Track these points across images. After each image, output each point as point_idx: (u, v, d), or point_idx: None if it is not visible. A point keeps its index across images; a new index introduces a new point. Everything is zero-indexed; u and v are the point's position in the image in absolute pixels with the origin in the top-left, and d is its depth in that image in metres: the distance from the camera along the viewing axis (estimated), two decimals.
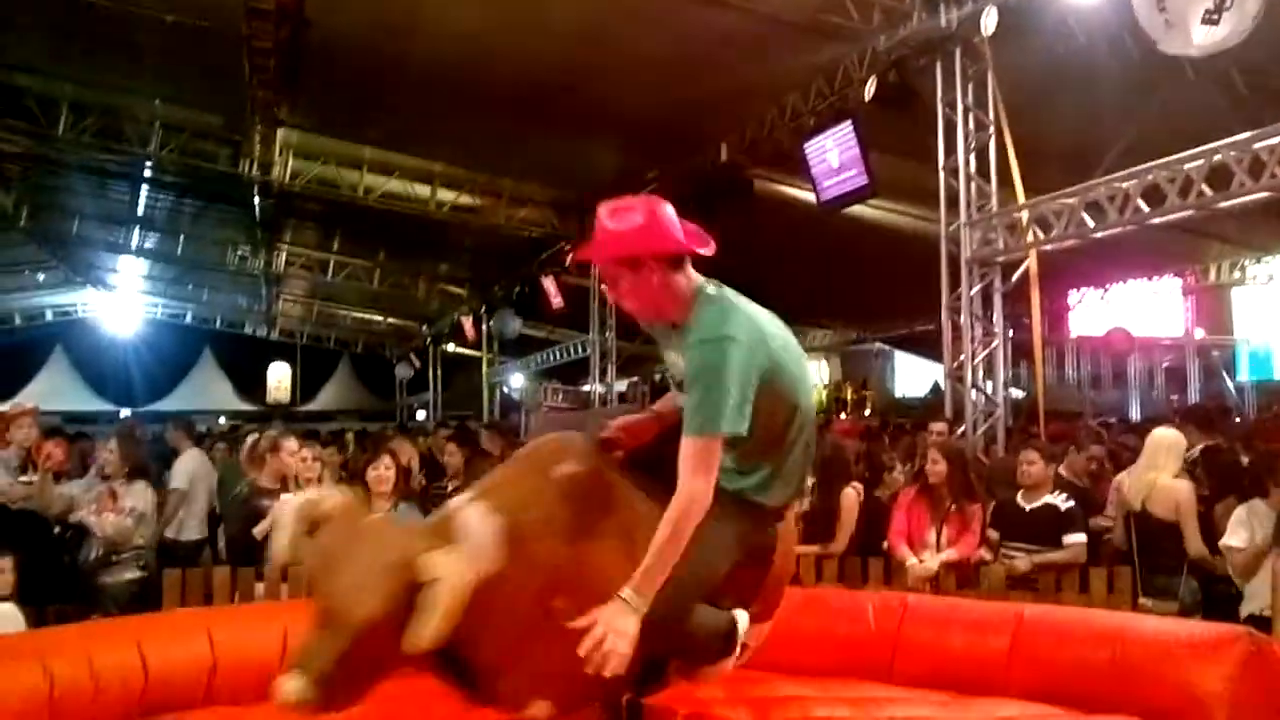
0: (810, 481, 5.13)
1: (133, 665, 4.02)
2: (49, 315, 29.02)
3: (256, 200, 15.95)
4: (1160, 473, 5.94)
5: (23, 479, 6.31)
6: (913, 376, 23.27)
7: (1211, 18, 6.02)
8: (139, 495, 6.17)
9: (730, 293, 2.89)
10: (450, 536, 2.62)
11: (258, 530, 5.51)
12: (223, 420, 23.61)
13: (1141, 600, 5.44)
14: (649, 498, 2.89)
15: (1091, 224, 7.62)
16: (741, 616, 3.07)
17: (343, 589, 2.52)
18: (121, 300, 28.52)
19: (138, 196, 18.73)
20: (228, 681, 4.17)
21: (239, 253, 21.14)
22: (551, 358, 21.88)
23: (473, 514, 2.69)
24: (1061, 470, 6.11)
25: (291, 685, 2.43)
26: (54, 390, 26.29)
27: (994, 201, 8.50)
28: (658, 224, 2.79)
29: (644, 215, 2.79)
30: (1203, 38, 6.13)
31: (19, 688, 3.72)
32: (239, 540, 5.74)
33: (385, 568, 2.53)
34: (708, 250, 2.87)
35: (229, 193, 16.25)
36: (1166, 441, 6.11)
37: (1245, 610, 5.24)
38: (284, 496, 5.65)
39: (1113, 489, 6.63)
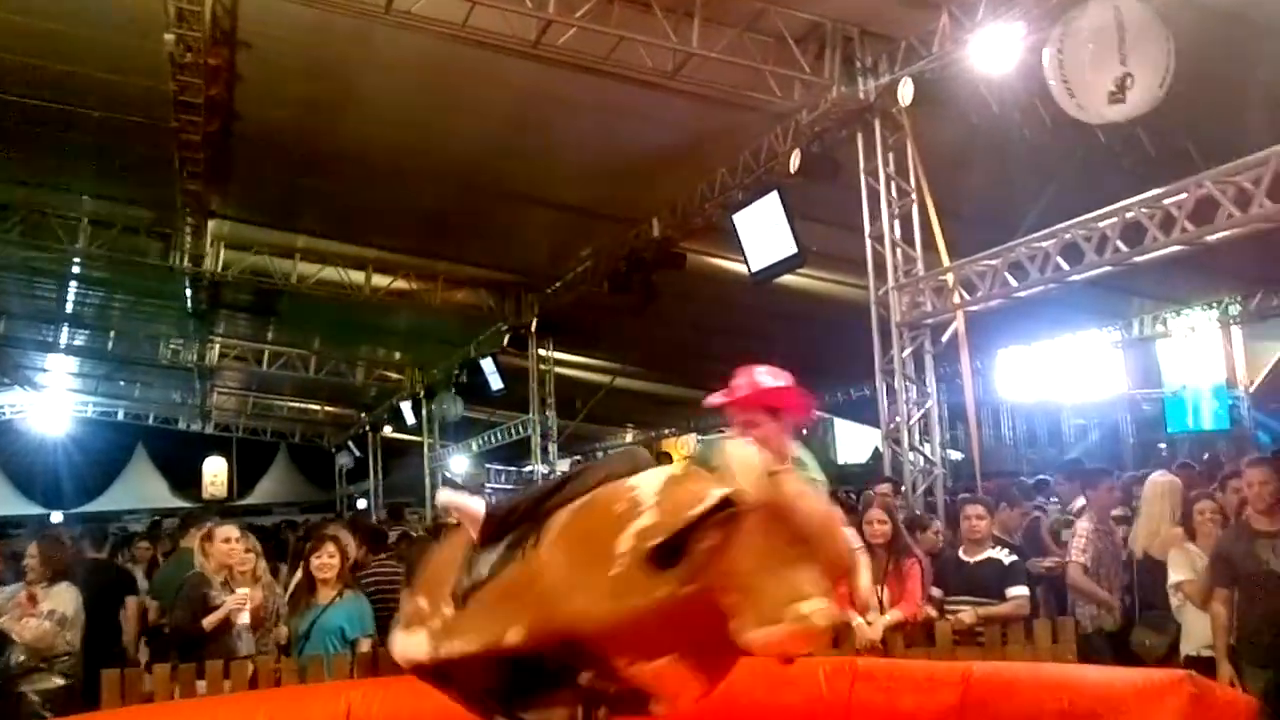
0: None
1: None
2: None
3: (188, 293, 15.81)
4: (1163, 522, 6.14)
5: None
6: (853, 443, 23.41)
7: (1117, 98, 6.28)
8: (60, 598, 5.91)
9: None
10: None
11: (207, 621, 5.46)
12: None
13: (1138, 630, 5.99)
14: None
15: (1015, 283, 7.80)
16: None
17: None
18: (50, 400, 27.82)
19: (66, 293, 18.48)
20: None
21: (171, 346, 20.85)
22: (493, 439, 21.78)
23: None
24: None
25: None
26: None
27: (920, 265, 8.65)
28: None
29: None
30: (1114, 114, 6.42)
31: None
32: (184, 630, 5.63)
33: None
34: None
35: (160, 286, 16.10)
36: (1161, 488, 6.30)
37: (1184, 650, 5.35)
38: (240, 590, 5.59)
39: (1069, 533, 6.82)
